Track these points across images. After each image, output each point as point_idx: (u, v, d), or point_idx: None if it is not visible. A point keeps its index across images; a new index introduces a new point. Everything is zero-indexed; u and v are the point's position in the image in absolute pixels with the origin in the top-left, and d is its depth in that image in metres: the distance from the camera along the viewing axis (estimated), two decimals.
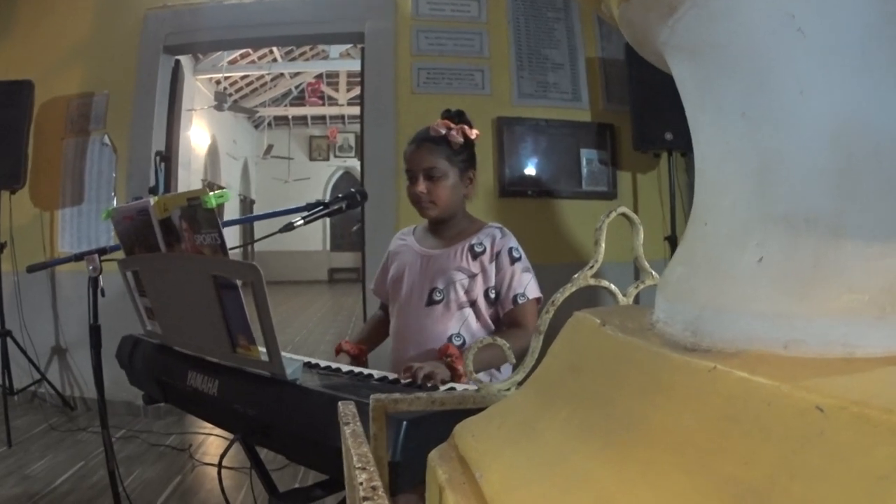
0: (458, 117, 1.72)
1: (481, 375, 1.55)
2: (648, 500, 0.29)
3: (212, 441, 3.33)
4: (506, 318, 1.66)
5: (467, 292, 1.64)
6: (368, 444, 0.56)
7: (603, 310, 0.54)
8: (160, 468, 2.93)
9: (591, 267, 0.63)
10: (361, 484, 0.43)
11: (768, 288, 0.33)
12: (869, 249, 0.31)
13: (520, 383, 0.65)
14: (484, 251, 1.66)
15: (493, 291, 1.66)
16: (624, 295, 0.65)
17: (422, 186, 1.66)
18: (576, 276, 0.64)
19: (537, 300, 1.65)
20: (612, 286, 0.66)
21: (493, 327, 1.67)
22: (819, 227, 0.33)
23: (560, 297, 0.65)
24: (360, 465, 0.46)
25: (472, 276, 1.64)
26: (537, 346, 0.66)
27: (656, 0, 0.39)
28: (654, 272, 0.65)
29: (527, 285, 1.65)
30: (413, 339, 1.67)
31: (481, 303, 1.65)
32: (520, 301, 1.63)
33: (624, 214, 0.64)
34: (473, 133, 1.72)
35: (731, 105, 0.38)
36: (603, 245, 0.63)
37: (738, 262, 0.36)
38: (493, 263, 1.65)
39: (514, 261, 1.66)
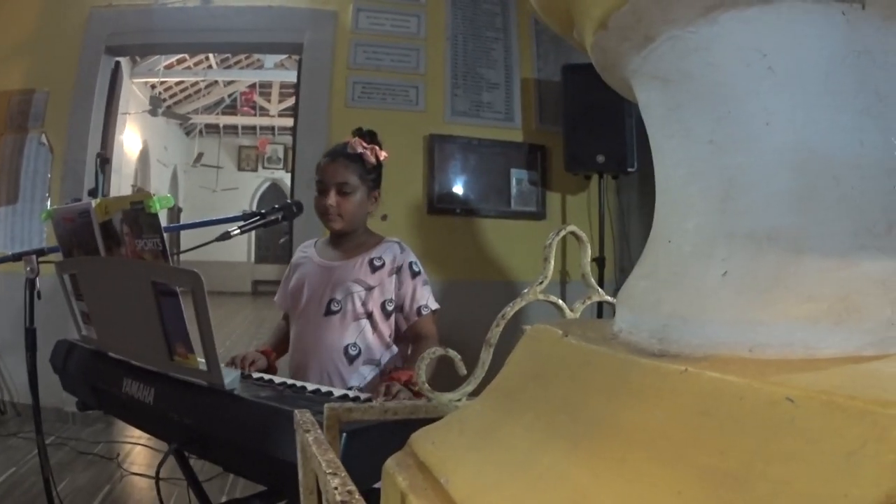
0: (371, 137, 1.82)
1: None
2: (625, 492, 0.31)
3: (139, 451, 3.29)
4: (411, 329, 1.75)
5: (364, 304, 1.71)
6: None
7: (561, 322, 0.57)
8: (89, 476, 2.90)
9: (541, 283, 0.66)
10: (336, 489, 0.43)
11: (733, 298, 0.36)
12: (827, 263, 0.34)
13: (472, 394, 0.67)
14: (383, 265, 1.75)
15: (391, 304, 1.73)
16: (571, 310, 0.68)
17: (332, 199, 1.74)
18: (525, 290, 0.67)
19: (435, 311, 1.77)
20: (561, 301, 0.69)
21: (387, 338, 1.75)
22: (780, 242, 0.36)
23: (510, 310, 0.67)
24: (330, 470, 0.46)
25: (370, 289, 1.72)
26: (487, 358, 0.68)
27: (634, 30, 0.42)
28: (599, 289, 0.68)
29: (428, 298, 1.77)
30: (311, 348, 1.72)
31: (377, 315, 1.72)
32: (423, 312, 1.75)
33: (573, 233, 0.67)
34: (383, 155, 1.82)
35: (699, 132, 0.41)
36: (552, 262, 0.66)
37: (704, 275, 0.39)
38: (394, 277, 1.74)
39: (414, 275, 1.77)
